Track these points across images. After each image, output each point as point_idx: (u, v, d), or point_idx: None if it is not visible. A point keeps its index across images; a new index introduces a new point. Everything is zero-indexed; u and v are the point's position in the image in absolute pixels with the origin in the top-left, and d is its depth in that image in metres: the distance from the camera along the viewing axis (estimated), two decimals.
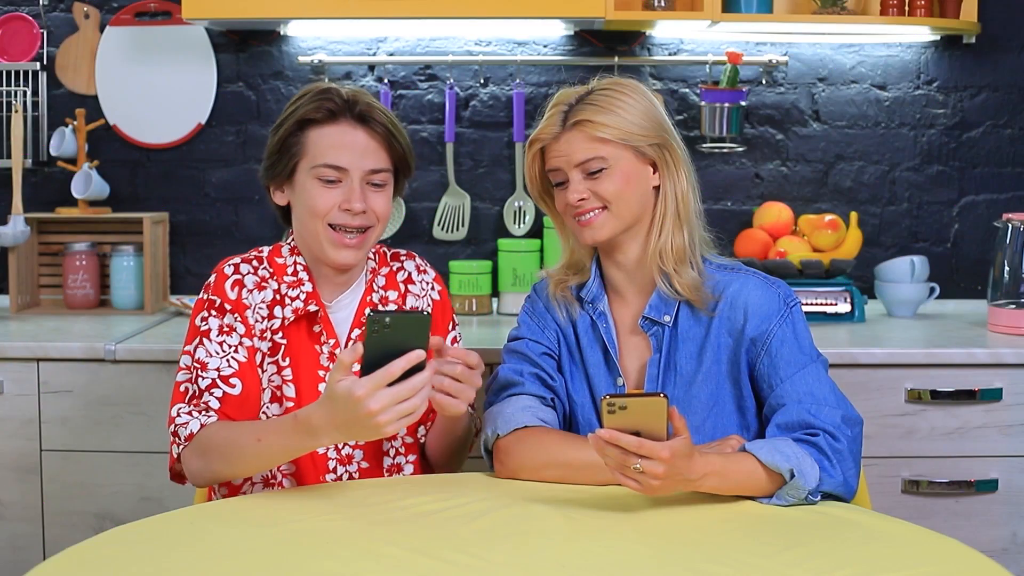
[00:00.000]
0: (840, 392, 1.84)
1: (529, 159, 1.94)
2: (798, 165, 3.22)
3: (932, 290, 3.01)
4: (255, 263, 1.98)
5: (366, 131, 1.93)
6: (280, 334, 1.95)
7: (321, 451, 1.94)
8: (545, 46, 3.20)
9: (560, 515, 1.68)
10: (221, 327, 1.91)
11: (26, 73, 3.18)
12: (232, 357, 1.90)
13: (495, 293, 3.13)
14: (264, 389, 1.93)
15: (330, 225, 1.92)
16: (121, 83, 3.19)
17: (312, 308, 1.95)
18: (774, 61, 3.16)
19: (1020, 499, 2.61)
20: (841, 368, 2.49)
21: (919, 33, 3.10)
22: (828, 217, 3.09)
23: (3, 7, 3.20)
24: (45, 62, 3.20)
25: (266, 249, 2.02)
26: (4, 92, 3.18)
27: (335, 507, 1.72)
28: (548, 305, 2.00)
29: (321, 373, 1.95)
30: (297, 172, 1.95)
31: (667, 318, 1.90)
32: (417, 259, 2.11)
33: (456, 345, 2.07)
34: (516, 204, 3.19)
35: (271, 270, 1.98)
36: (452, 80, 3.17)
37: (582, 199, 1.87)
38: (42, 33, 3.19)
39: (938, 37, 3.15)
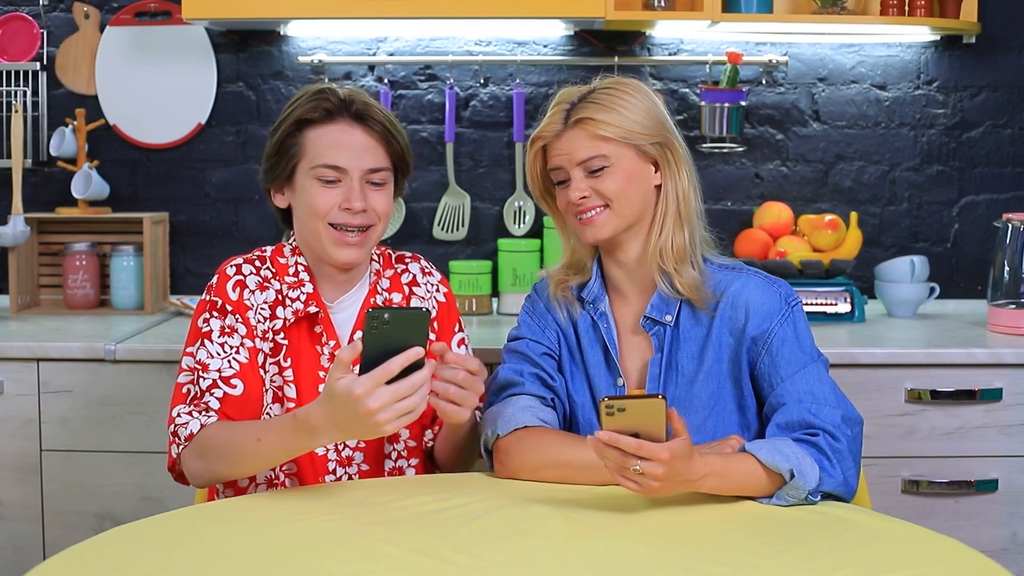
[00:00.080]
0: (840, 392, 1.84)
1: (531, 157, 1.94)
2: (798, 165, 3.22)
3: (932, 290, 3.01)
4: (257, 263, 1.98)
5: (363, 130, 1.93)
6: (282, 335, 1.94)
7: (321, 452, 1.93)
8: (545, 46, 3.20)
9: (560, 515, 1.68)
10: (223, 328, 1.91)
11: (26, 73, 3.18)
12: (233, 358, 1.90)
13: (495, 293, 3.13)
14: (266, 390, 1.93)
15: (331, 225, 1.92)
16: (121, 83, 3.19)
17: (312, 309, 1.95)
18: (774, 61, 3.16)
19: (1020, 499, 2.61)
20: (841, 368, 2.49)
21: (919, 33, 3.10)
22: (828, 217, 3.09)
23: (3, 7, 3.20)
24: (45, 62, 3.20)
25: (269, 249, 2.02)
26: (4, 92, 3.18)
27: (335, 507, 1.72)
28: (548, 305, 2.00)
29: (322, 374, 1.95)
30: (296, 173, 1.95)
31: (669, 318, 1.90)
32: (422, 261, 2.11)
33: (464, 348, 2.07)
34: (516, 204, 3.19)
35: (273, 270, 1.98)
36: (452, 80, 3.17)
37: (584, 197, 1.87)
38: (42, 33, 3.19)
39: (938, 37, 3.15)
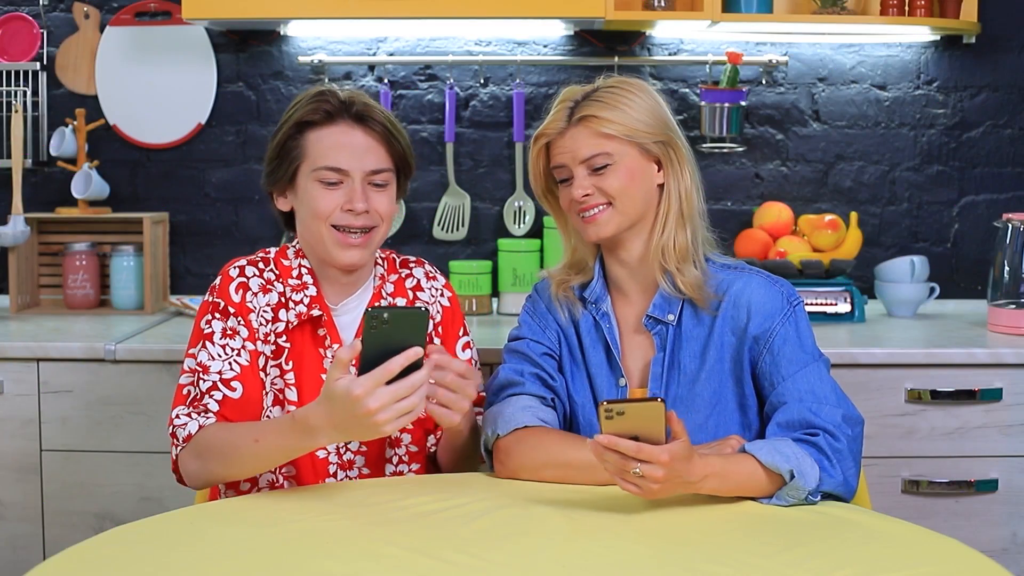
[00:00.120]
0: (842, 392, 1.84)
1: (534, 155, 1.95)
2: (798, 165, 3.22)
3: (932, 290, 3.01)
4: (261, 265, 1.97)
5: (364, 131, 1.92)
6: (284, 337, 1.94)
7: (322, 455, 1.93)
8: (545, 46, 3.20)
9: (560, 515, 1.68)
10: (224, 330, 1.91)
11: (26, 73, 3.19)
12: (234, 360, 1.89)
13: (495, 293, 3.13)
14: (267, 392, 1.93)
15: (333, 226, 1.92)
16: (121, 83, 3.19)
17: (316, 312, 1.95)
18: (774, 61, 3.16)
19: (1020, 499, 2.61)
20: (841, 368, 2.49)
21: (919, 33, 3.10)
22: (828, 217, 3.09)
23: (3, 7, 3.20)
24: (45, 62, 3.20)
25: (273, 250, 2.01)
26: (4, 92, 3.18)
27: (335, 507, 1.72)
28: (550, 306, 2.00)
29: (324, 377, 1.94)
30: (298, 176, 1.94)
31: (671, 317, 1.90)
32: (426, 266, 2.10)
33: (469, 352, 2.07)
34: (516, 204, 3.19)
35: (277, 272, 1.97)
36: (452, 80, 3.17)
37: (587, 195, 1.87)
38: (42, 33, 3.19)
39: (938, 37, 3.15)
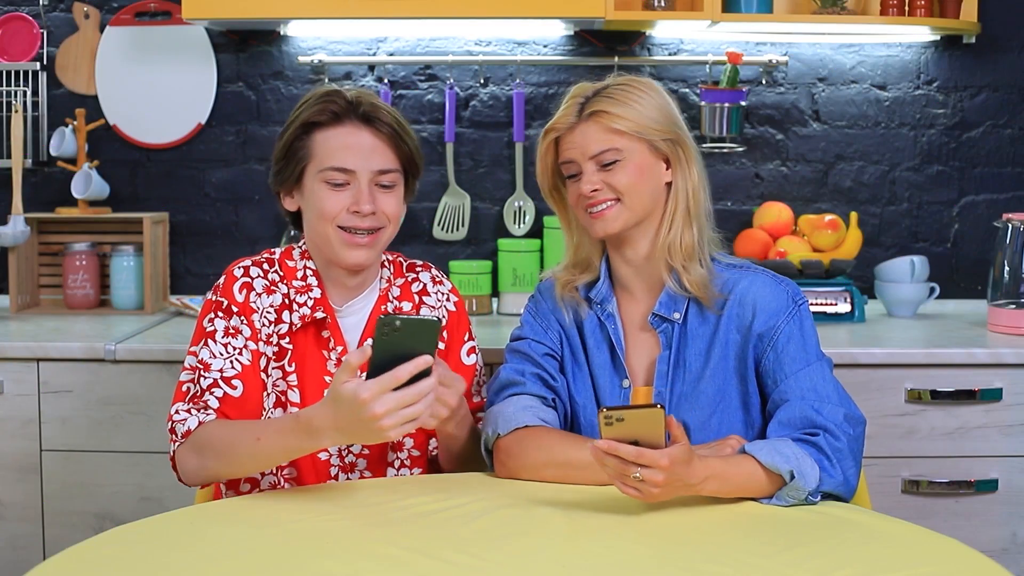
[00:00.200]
0: (844, 391, 1.85)
1: (542, 149, 1.95)
2: (798, 165, 3.22)
3: (932, 290, 3.01)
4: (266, 266, 1.97)
5: (371, 132, 1.92)
6: (287, 339, 1.94)
7: (323, 457, 1.93)
8: (545, 46, 3.20)
9: (560, 515, 1.68)
10: (227, 329, 1.91)
11: (26, 73, 3.19)
12: (236, 359, 1.89)
13: (495, 293, 3.13)
14: (268, 394, 1.93)
15: (340, 227, 1.92)
16: (121, 83, 3.19)
17: (320, 315, 1.94)
18: (774, 61, 3.16)
19: (1020, 499, 2.61)
20: (841, 368, 2.48)
21: (919, 33, 3.10)
22: (828, 217, 3.09)
23: (3, 7, 3.20)
24: (45, 62, 3.20)
25: (278, 251, 2.01)
26: (4, 92, 3.18)
27: (335, 507, 1.72)
28: (552, 306, 2.00)
29: (328, 379, 1.93)
30: (305, 176, 1.94)
31: (677, 315, 1.90)
32: (433, 270, 2.10)
33: (474, 356, 2.07)
34: (516, 204, 3.19)
35: (281, 273, 1.97)
36: (452, 80, 3.17)
37: (595, 190, 1.87)
38: (42, 33, 3.19)
39: (938, 37, 3.15)
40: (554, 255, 3.05)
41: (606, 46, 3.18)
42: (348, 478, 1.95)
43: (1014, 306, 2.78)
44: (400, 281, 2.04)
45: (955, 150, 3.21)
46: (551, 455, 1.83)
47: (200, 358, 1.89)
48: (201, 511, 1.76)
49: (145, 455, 2.62)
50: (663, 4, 2.97)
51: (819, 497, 1.74)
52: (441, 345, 2.01)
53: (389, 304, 2.00)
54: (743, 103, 3.08)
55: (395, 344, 1.59)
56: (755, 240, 3.09)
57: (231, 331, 1.90)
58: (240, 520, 1.69)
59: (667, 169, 1.92)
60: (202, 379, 1.88)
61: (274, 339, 1.93)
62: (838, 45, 3.19)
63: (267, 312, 1.93)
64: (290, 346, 1.93)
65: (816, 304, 2.91)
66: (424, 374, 1.62)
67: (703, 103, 3.08)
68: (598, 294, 1.96)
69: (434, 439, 2.01)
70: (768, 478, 1.72)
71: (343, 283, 1.98)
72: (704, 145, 3.13)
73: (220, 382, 1.87)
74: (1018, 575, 2.48)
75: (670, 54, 3.19)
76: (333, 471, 1.94)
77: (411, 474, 1.99)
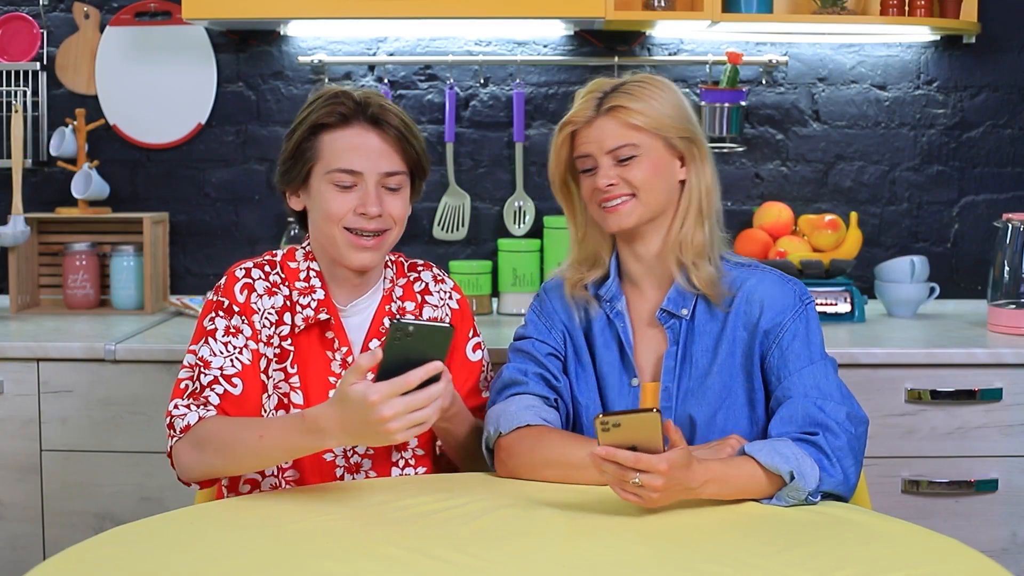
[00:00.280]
0: (848, 391, 1.85)
1: (559, 142, 1.95)
2: (798, 165, 3.22)
3: (932, 290, 3.01)
4: (267, 268, 1.97)
5: (379, 134, 1.92)
6: (288, 341, 1.94)
7: (328, 458, 1.93)
8: (545, 46, 3.20)
9: (560, 515, 1.68)
10: (227, 328, 1.91)
11: (26, 73, 3.19)
12: (236, 358, 1.89)
13: (495, 293, 3.13)
14: (270, 395, 1.92)
15: (346, 229, 1.91)
16: (121, 83, 3.19)
17: (323, 316, 1.94)
18: (774, 61, 3.16)
19: (1020, 499, 2.61)
20: (841, 368, 2.45)
21: (919, 33, 3.10)
22: (828, 217, 3.09)
23: (3, 7, 3.20)
24: (45, 62, 3.20)
25: (280, 253, 2.01)
26: (4, 92, 3.18)
27: (335, 507, 1.72)
28: (557, 306, 2.00)
29: (332, 380, 1.94)
30: (312, 177, 1.94)
31: (685, 311, 1.91)
32: (435, 269, 2.10)
33: (479, 352, 2.08)
34: (516, 204, 3.19)
35: (283, 275, 1.97)
36: (452, 80, 3.17)
37: (611, 184, 1.88)
38: (42, 33, 3.19)
39: (938, 37, 3.15)
40: (554, 255, 3.05)
41: (606, 46, 3.18)
42: (353, 478, 1.94)
43: (1014, 306, 2.78)
44: (403, 281, 2.04)
45: (955, 150, 3.21)
46: (552, 454, 1.84)
47: (200, 356, 1.89)
48: (201, 511, 1.76)
49: (145, 455, 2.61)
50: (663, 4, 2.97)
51: (819, 497, 1.74)
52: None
53: (393, 304, 2.00)
54: (743, 103, 3.08)
55: (406, 349, 1.60)
56: (755, 240, 3.09)
57: (231, 330, 1.90)
58: (240, 520, 1.69)
59: (681, 167, 1.93)
60: (202, 376, 1.87)
61: (275, 341, 1.93)
62: (838, 45, 3.19)
63: (268, 314, 1.93)
64: (292, 348, 1.93)
65: (816, 304, 2.90)
66: (433, 379, 1.62)
67: (703, 103, 3.08)
68: (608, 291, 1.96)
69: (439, 439, 2.02)
70: (768, 479, 1.72)
71: (348, 283, 1.98)
72: None
73: (220, 379, 1.87)
74: (1018, 575, 2.48)
75: (670, 54, 3.19)
76: (339, 472, 1.94)
77: (416, 473, 1.99)
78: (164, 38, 3.18)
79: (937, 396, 2.58)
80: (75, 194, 3.10)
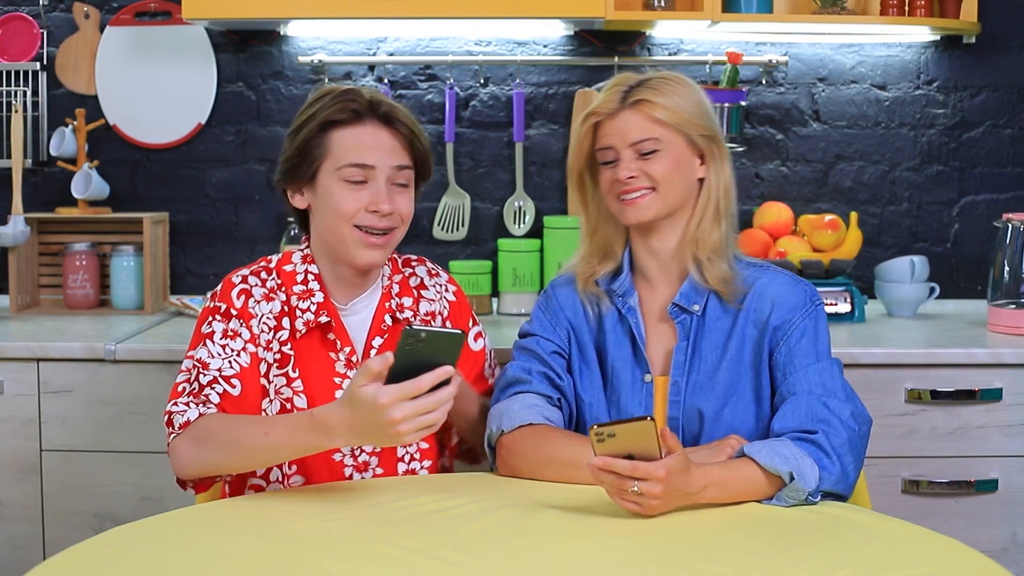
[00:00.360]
0: (852, 391, 1.86)
1: (582, 133, 1.96)
2: (798, 165, 3.22)
3: (932, 290, 3.01)
4: (263, 274, 1.97)
5: (390, 131, 1.93)
6: (288, 345, 1.93)
7: (337, 458, 1.93)
8: (545, 46, 3.20)
9: (560, 515, 1.68)
10: (225, 331, 1.90)
11: (26, 73, 3.18)
12: (234, 360, 1.88)
13: (495, 293, 3.13)
14: (272, 400, 1.92)
15: (356, 226, 1.91)
16: (121, 83, 3.19)
17: (324, 319, 1.94)
18: (774, 61, 3.16)
19: (1020, 499, 2.61)
20: None
21: (919, 33, 3.10)
22: (828, 217, 3.09)
23: (3, 7, 3.20)
24: (45, 62, 3.20)
25: (274, 258, 2.01)
26: (4, 92, 3.18)
27: (335, 507, 1.72)
28: (563, 303, 2.01)
29: (337, 380, 1.94)
30: (320, 174, 1.93)
31: (696, 307, 1.92)
32: (428, 263, 2.11)
33: (481, 341, 2.09)
34: (516, 204, 3.19)
35: (279, 280, 1.96)
36: (452, 80, 3.17)
37: (632, 177, 1.89)
38: (42, 33, 3.19)
39: (938, 37, 3.15)
40: (554, 255, 3.05)
41: (606, 46, 3.18)
42: (363, 477, 1.95)
43: (1014, 306, 2.78)
44: (398, 277, 2.05)
45: (955, 150, 3.21)
46: (554, 454, 1.84)
47: (198, 358, 1.88)
48: (201, 511, 1.76)
49: (145, 455, 2.61)
50: (663, 4, 2.97)
51: (819, 497, 1.74)
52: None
53: (392, 301, 2.01)
54: (743, 103, 3.08)
55: (417, 353, 1.60)
56: (755, 240, 3.09)
57: (229, 333, 1.90)
58: (240, 520, 1.69)
59: (701, 165, 1.94)
60: (201, 376, 1.86)
61: (275, 346, 1.93)
62: (838, 45, 3.19)
63: (267, 319, 1.93)
64: (292, 352, 1.93)
65: None
66: (443, 383, 1.63)
67: None
68: (621, 286, 1.96)
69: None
70: (768, 480, 1.72)
71: (348, 282, 1.98)
72: None
73: (220, 379, 1.86)
74: (1018, 575, 2.48)
75: (670, 54, 3.19)
76: (348, 471, 1.94)
77: (420, 466, 1.99)
78: (164, 38, 3.18)
79: (937, 396, 2.58)
80: (75, 194, 3.10)
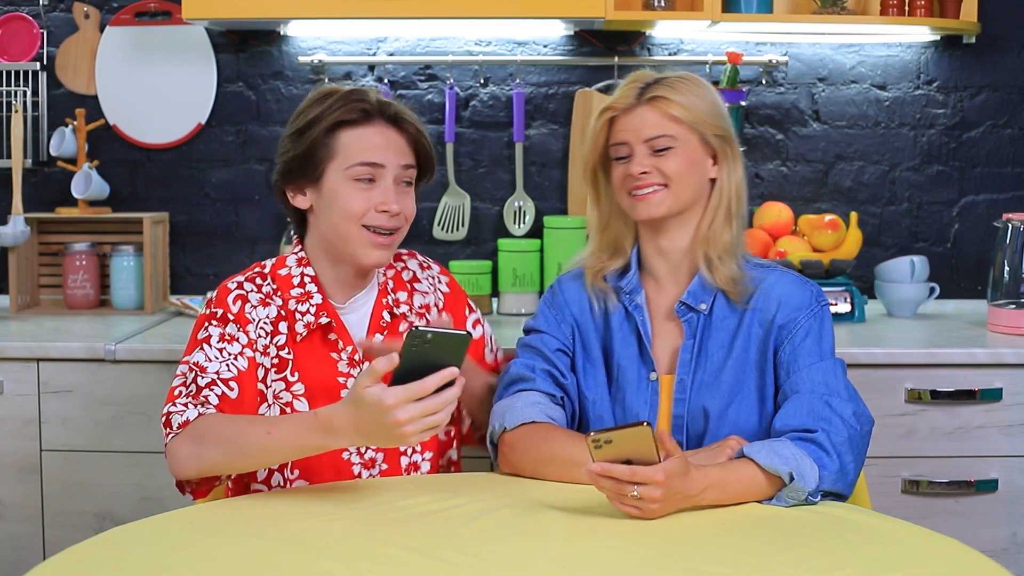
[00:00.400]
0: (855, 391, 1.87)
1: (598, 127, 1.97)
2: (798, 165, 3.22)
3: (932, 290, 3.01)
4: (258, 280, 1.97)
5: (399, 132, 1.95)
6: (286, 350, 1.93)
7: (345, 456, 1.94)
8: (545, 46, 3.20)
9: (560, 515, 1.68)
10: (222, 335, 1.90)
11: (26, 73, 3.18)
12: (232, 363, 1.88)
13: (495, 293, 3.13)
14: (271, 405, 1.92)
15: (364, 226, 1.92)
16: (121, 83, 3.19)
17: (324, 320, 1.94)
18: (774, 61, 3.16)
19: (1020, 499, 2.61)
20: None
21: (919, 33, 3.10)
22: (828, 217, 3.08)
23: (3, 7, 3.20)
24: (45, 62, 3.20)
25: (268, 263, 2.00)
26: (4, 92, 3.18)
27: (335, 507, 1.72)
28: (569, 298, 2.01)
29: (341, 380, 1.94)
30: (326, 174, 1.93)
31: (703, 306, 1.93)
32: (418, 256, 2.12)
33: (480, 328, 2.10)
34: (516, 204, 3.19)
35: (275, 285, 1.96)
36: (452, 80, 3.17)
37: (644, 172, 1.90)
38: (42, 33, 3.19)
39: (938, 37, 3.15)
40: (554, 255, 3.05)
41: (606, 46, 3.18)
42: (371, 474, 1.95)
43: (1014, 306, 2.78)
44: (391, 272, 2.06)
45: (955, 150, 3.21)
46: (555, 451, 1.84)
47: (194, 361, 1.88)
48: (201, 511, 1.76)
49: (145, 455, 2.61)
50: (663, 4, 2.97)
51: (819, 497, 1.74)
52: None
53: (388, 296, 2.01)
54: (743, 103, 3.08)
55: (423, 355, 1.60)
56: (755, 240, 3.09)
57: (227, 337, 1.90)
58: (240, 520, 1.69)
59: (713, 165, 1.95)
60: (199, 378, 1.86)
61: (272, 351, 1.93)
62: (838, 45, 3.19)
63: (263, 324, 1.93)
64: (291, 356, 1.93)
65: None
66: (447, 384, 1.63)
67: None
68: (628, 284, 1.97)
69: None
70: (768, 481, 1.72)
71: (348, 282, 1.99)
72: None
73: (218, 381, 1.86)
74: (1018, 575, 2.48)
75: (670, 54, 3.19)
76: (356, 469, 1.94)
77: (423, 458, 2.00)
78: (164, 38, 3.18)
79: (937, 396, 2.58)
80: (75, 194, 3.10)
